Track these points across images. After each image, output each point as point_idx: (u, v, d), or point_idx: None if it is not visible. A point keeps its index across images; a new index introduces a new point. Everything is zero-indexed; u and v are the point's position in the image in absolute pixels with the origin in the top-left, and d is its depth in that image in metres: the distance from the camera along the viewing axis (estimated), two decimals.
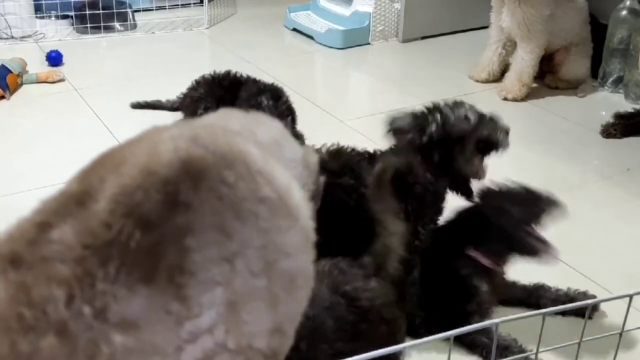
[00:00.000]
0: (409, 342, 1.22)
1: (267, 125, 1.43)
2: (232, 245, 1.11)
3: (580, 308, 2.01)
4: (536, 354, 1.38)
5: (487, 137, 2.23)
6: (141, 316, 1.04)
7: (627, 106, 3.69)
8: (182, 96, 3.41)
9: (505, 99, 3.81)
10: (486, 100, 3.85)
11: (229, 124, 1.30)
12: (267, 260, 1.15)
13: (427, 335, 1.21)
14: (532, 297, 2.21)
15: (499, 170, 3.07)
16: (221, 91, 3.25)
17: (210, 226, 1.09)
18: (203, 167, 1.10)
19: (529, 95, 3.83)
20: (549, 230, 2.14)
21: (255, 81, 3.28)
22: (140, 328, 1.03)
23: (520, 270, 2.23)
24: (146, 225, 1.04)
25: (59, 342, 0.98)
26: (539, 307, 2.14)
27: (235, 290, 1.12)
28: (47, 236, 1.04)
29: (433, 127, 2.17)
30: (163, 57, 4.36)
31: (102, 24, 4.63)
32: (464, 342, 2.04)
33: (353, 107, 3.83)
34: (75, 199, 1.08)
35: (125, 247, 1.04)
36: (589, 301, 1.34)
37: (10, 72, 3.66)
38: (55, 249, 1.03)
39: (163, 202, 1.06)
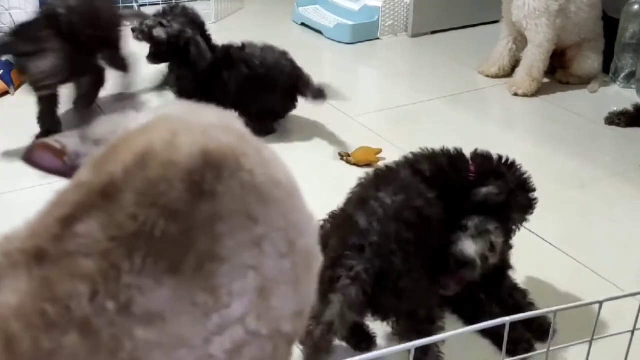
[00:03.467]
0: (419, 340, 1.22)
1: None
2: (259, 229, 1.12)
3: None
4: (547, 352, 1.37)
5: None
6: (166, 308, 1.04)
7: (639, 101, 3.69)
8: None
9: (516, 94, 3.81)
10: (496, 96, 3.85)
11: (208, 118, 1.29)
12: (289, 241, 1.16)
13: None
14: None
15: None
16: None
17: (237, 212, 1.10)
18: (222, 156, 1.11)
19: (540, 90, 3.82)
20: (560, 227, 2.14)
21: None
22: (165, 321, 1.03)
23: (528, 267, 2.23)
24: (171, 214, 1.05)
25: (82, 338, 0.98)
26: None
27: (265, 274, 1.13)
28: (73, 230, 1.04)
29: None
30: None
31: None
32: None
33: (362, 102, 3.83)
34: (100, 191, 1.08)
35: (150, 237, 1.04)
36: (601, 299, 1.34)
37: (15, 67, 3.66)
38: (80, 243, 1.03)
39: (188, 191, 1.06)
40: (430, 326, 1.89)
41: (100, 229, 1.04)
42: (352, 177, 2.10)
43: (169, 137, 1.12)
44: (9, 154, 3.08)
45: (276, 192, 1.16)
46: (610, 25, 3.92)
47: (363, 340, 2.09)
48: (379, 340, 2.08)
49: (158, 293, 1.04)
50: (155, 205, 1.05)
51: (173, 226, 1.05)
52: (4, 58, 3.69)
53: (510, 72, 4.00)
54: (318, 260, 1.28)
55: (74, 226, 1.05)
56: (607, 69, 3.98)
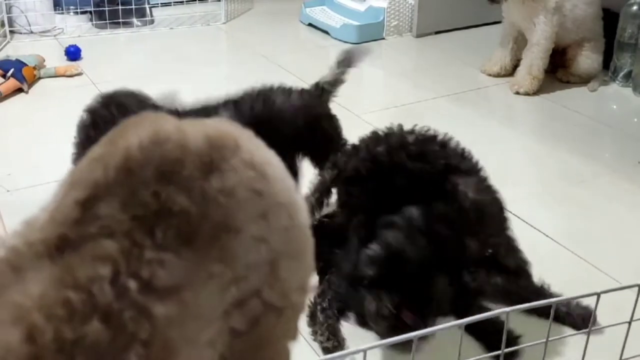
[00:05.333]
0: (419, 331, 1.23)
1: None
2: (263, 201, 1.16)
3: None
4: (546, 342, 1.38)
5: None
6: (186, 281, 1.05)
7: (637, 100, 3.69)
8: None
9: (517, 93, 3.81)
10: (498, 94, 3.86)
11: None
12: (290, 215, 1.20)
13: None
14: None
15: (511, 164, 3.09)
16: None
17: (243, 185, 1.13)
18: (222, 139, 1.15)
19: (541, 89, 3.82)
20: (561, 222, 2.14)
21: None
22: (185, 294, 1.04)
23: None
24: (186, 190, 1.06)
25: (104, 326, 0.98)
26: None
27: (274, 247, 1.17)
28: (94, 212, 1.04)
29: None
30: (180, 51, 4.37)
31: (120, 20, 4.65)
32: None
33: (368, 101, 3.83)
34: (119, 166, 1.07)
35: (169, 212, 1.05)
36: (598, 290, 1.34)
37: (26, 64, 3.67)
38: (102, 224, 1.04)
39: (200, 170, 1.08)
40: None
41: (121, 209, 1.05)
42: None
43: (175, 123, 1.14)
44: (24, 151, 3.09)
45: (272, 170, 1.20)
46: (612, 22, 3.91)
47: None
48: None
49: (177, 266, 1.04)
50: (172, 182, 1.07)
51: (188, 201, 1.06)
52: (14, 59, 3.71)
53: (511, 71, 4.00)
54: (311, 239, 1.30)
55: (95, 207, 1.05)
56: (608, 68, 3.98)
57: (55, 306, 0.98)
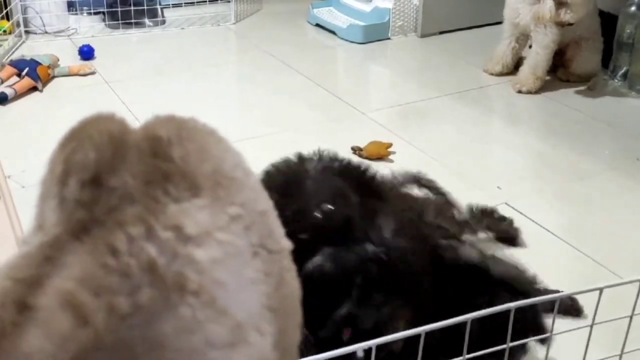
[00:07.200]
0: (427, 326, 1.22)
1: None
2: (233, 156, 1.18)
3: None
4: (549, 337, 1.37)
5: None
6: (213, 225, 1.04)
7: (635, 98, 3.69)
8: None
9: (520, 91, 3.80)
10: (501, 93, 3.85)
11: None
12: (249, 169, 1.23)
13: None
14: None
15: (513, 161, 3.07)
16: None
17: (212, 145, 1.15)
18: (176, 121, 1.15)
19: (542, 88, 3.81)
20: (562, 217, 2.14)
21: None
22: (217, 235, 1.04)
23: (530, 255, 2.22)
24: (169, 159, 1.06)
25: (154, 289, 0.95)
26: None
27: (261, 197, 1.20)
28: (109, 186, 1.02)
29: None
30: (191, 51, 4.36)
31: (133, 20, 4.64)
32: None
33: (373, 99, 3.84)
34: (113, 145, 1.05)
35: (169, 174, 1.04)
36: (601, 285, 1.34)
37: (40, 64, 3.68)
38: (121, 193, 1.02)
39: (175, 136, 1.09)
40: None
41: (133, 178, 1.03)
42: None
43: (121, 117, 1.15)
44: (38, 148, 3.09)
45: (219, 134, 1.22)
46: (611, 24, 3.91)
47: None
48: None
49: (199, 213, 1.04)
50: (155, 155, 1.06)
51: (176, 166, 1.06)
52: (29, 58, 3.71)
53: (513, 69, 3.99)
54: None
55: (107, 182, 1.02)
56: (608, 67, 3.97)
57: (99, 278, 0.94)
